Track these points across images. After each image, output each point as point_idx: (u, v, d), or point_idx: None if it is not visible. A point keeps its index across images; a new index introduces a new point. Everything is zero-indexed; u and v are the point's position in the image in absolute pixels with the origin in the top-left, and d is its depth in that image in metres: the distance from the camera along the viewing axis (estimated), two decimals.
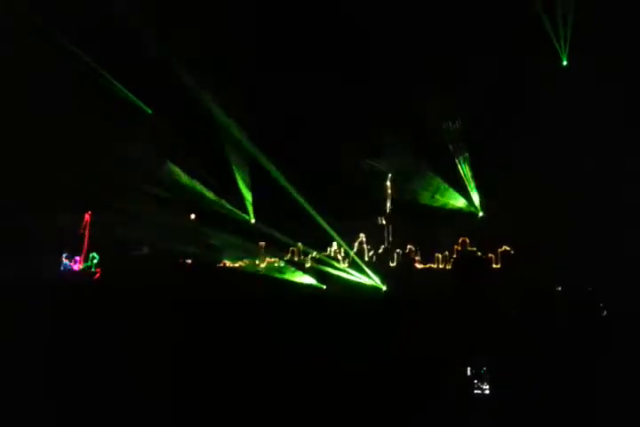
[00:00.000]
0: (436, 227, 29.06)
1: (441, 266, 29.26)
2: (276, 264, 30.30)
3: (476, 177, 28.44)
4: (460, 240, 28.86)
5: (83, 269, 29.99)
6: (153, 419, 6.52)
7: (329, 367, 8.51)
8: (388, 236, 30.81)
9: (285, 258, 30.06)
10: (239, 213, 29.98)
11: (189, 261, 30.05)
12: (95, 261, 30.12)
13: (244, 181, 29.77)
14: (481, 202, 28.51)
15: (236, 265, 30.65)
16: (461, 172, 28.60)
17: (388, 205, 31.27)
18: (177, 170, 29.64)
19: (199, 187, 29.68)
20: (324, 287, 27.87)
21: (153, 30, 24.93)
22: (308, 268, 29.37)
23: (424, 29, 24.32)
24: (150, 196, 27.53)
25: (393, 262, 29.85)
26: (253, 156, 28.16)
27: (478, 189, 28.47)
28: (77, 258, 30.05)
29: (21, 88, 24.04)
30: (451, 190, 28.87)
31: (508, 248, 27.78)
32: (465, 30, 24.24)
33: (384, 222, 31.12)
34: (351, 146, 27.55)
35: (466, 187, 28.68)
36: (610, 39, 22.36)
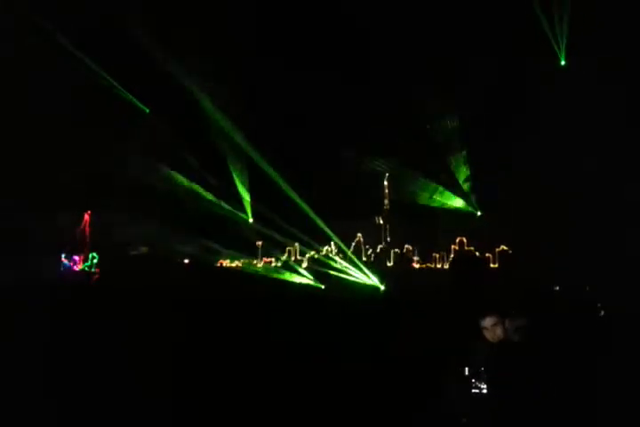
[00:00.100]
0: (434, 226, 29.08)
1: (439, 265, 29.37)
2: (273, 264, 30.36)
3: (474, 177, 28.46)
4: (458, 240, 28.95)
5: (82, 269, 30.05)
6: (153, 419, 6.59)
7: (329, 367, 8.58)
8: (386, 235, 30.88)
9: (283, 258, 30.12)
10: (237, 212, 29.99)
11: (187, 260, 30.10)
12: (95, 261, 30.18)
13: (243, 181, 29.77)
14: (479, 202, 28.51)
15: (233, 265, 30.69)
16: (459, 171, 28.63)
17: (386, 204, 31.33)
18: (175, 170, 29.64)
19: (197, 187, 29.66)
20: (323, 287, 27.92)
21: (152, 30, 24.95)
22: (306, 267, 29.42)
23: (423, 29, 24.34)
24: (150, 196, 27.53)
25: (390, 262, 29.92)
26: (251, 156, 28.17)
27: (476, 188, 28.48)
28: (77, 258, 30.09)
29: (21, 88, 24.02)
30: (448, 190, 28.86)
31: (505, 248, 27.88)
32: (464, 30, 24.27)
33: (381, 222, 31.18)
34: (349, 146, 27.56)
35: (464, 187, 28.70)
36: (608, 39, 22.40)
